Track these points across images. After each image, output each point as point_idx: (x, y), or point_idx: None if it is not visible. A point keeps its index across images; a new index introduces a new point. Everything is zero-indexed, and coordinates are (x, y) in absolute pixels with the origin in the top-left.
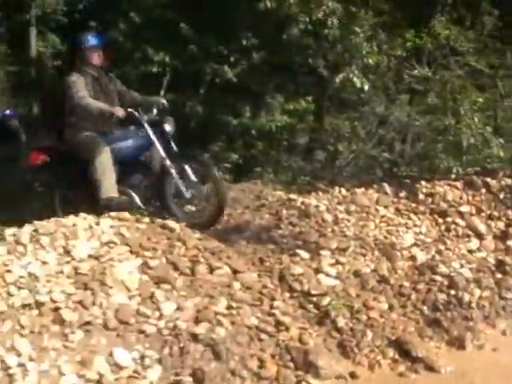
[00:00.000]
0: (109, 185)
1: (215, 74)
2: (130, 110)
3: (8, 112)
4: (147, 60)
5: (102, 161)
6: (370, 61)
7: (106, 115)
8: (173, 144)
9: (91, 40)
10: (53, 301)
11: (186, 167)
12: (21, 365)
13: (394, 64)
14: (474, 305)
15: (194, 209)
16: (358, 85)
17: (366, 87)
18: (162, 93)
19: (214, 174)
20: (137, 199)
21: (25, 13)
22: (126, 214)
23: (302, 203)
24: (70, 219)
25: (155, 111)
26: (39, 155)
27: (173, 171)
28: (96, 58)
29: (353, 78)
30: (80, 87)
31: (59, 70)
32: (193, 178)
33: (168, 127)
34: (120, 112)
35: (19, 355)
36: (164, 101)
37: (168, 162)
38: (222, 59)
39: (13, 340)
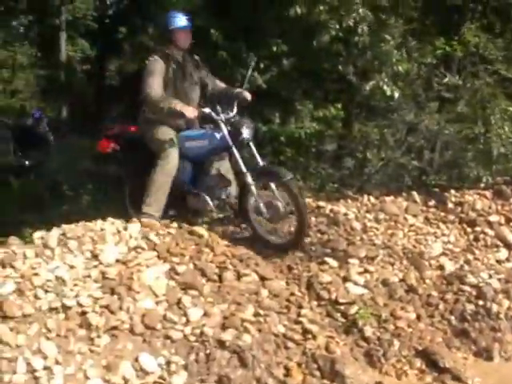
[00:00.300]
0: (154, 202)
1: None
2: (205, 110)
3: (36, 113)
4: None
5: (164, 172)
6: (400, 68)
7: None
8: (256, 155)
9: (181, 20)
10: (80, 305)
11: (271, 185)
12: (47, 368)
13: (424, 72)
14: (502, 315)
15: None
16: (388, 93)
17: (396, 95)
18: (245, 82)
19: (298, 195)
20: (210, 203)
21: (55, 17)
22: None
23: (331, 211)
24: (98, 223)
25: (236, 108)
26: (109, 143)
27: (254, 189)
28: (184, 40)
29: (383, 85)
30: (154, 79)
31: (88, 75)
32: (276, 199)
33: (245, 133)
34: (191, 113)
35: (45, 358)
36: (248, 94)
37: (249, 180)
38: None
39: (39, 343)
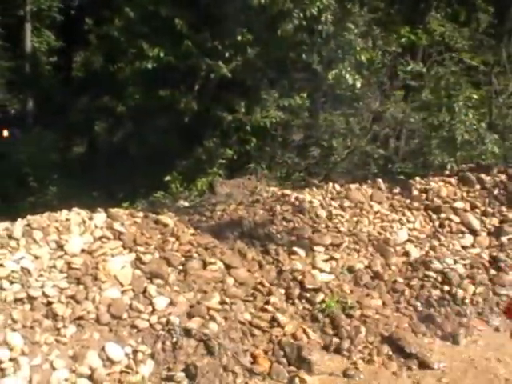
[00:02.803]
0: None
1: (210, 70)
2: None
3: None
4: (142, 55)
5: None
6: (363, 57)
7: None
8: None
9: None
10: (45, 295)
11: None
12: (13, 359)
13: (389, 60)
14: (467, 301)
15: None
16: (350, 81)
17: (359, 84)
18: None
19: None
20: None
21: (20, 8)
22: (119, 209)
23: (296, 199)
24: (63, 214)
25: None
26: None
27: None
28: None
29: (345, 74)
30: None
31: (54, 66)
32: None
33: None
34: None
35: (11, 349)
36: None
37: None
38: (217, 55)
39: (5, 334)
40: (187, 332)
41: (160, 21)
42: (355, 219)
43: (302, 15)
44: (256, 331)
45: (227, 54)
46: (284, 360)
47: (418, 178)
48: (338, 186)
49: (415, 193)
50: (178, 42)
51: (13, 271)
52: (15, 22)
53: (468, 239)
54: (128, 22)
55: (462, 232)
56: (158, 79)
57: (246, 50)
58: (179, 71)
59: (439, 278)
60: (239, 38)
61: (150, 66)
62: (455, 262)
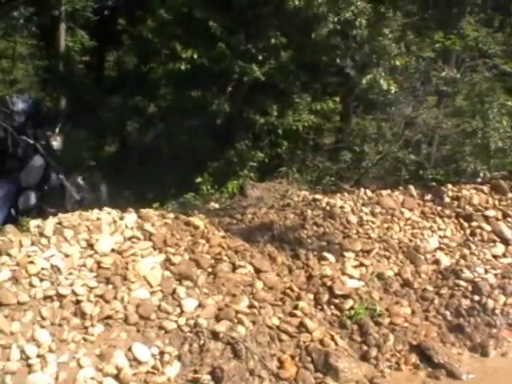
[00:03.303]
0: None
1: (243, 72)
2: None
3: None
4: (175, 57)
5: None
6: (397, 62)
7: None
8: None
9: None
10: (74, 293)
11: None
12: (40, 356)
13: (422, 65)
14: (497, 311)
15: None
16: (384, 86)
17: (393, 89)
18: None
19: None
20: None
21: (55, 9)
22: (150, 210)
23: (327, 204)
24: (94, 213)
25: None
26: None
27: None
28: None
29: (379, 79)
30: None
31: (87, 66)
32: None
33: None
34: None
35: (39, 346)
36: None
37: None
38: (251, 57)
39: (33, 331)
40: (215, 335)
41: (194, 23)
42: (386, 226)
43: (336, 19)
44: (284, 336)
45: (260, 57)
46: (311, 366)
47: (449, 185)
48: (369, 192)
49: (447, 200)
50: (211, 44)
51: (43, 269)
52: (50, 21)
53: (499, 248)
54: (161, 23)
55: (494, 241)
56: (191, 81)
57: (279, 53)
58: (212, 73)
59: (469, 288)
60: (273, 41)
61: (182, 67)
62: (486, 271)
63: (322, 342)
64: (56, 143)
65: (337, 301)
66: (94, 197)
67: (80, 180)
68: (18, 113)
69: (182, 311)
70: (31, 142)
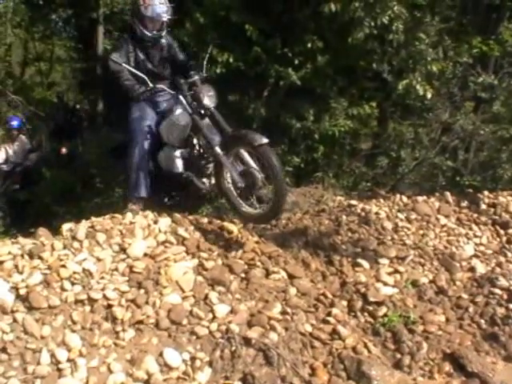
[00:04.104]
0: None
1: (279, 77)
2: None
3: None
4: (211, 60)
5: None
6: (434, 68)
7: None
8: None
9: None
10: (106, 298)
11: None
12: (70, 360)
13: (460, 71)
14: None
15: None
16: (421, 92)
17: (429, 95)
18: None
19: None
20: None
21: (93, 12)
22: (184, 214)
23: (363, 210)
24: (128, 217)
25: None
26: None
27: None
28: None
29: (416, 84)
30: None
31: None
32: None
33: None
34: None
35: (69, 350)
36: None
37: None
38: (287, 62)
39: (64, 335)
40: (247, 341)
41: (230, 27)
42: (421, 232)
43: (372, 24)
44: (316, 343)
45: (297, 61)
46: (343, 373)
47: (486, 192)
48: (405, 198)
49: (483, 207)
50: (247, 48)
51: (75, 272)
52: (88, 24)
53: None
54: (198, 27)
55: None
56: (227, 84)
57: (315, 58)
58: (248, 77)
59: (505, 296)
60: (309, 45)
61: (218, 70)
62: None
63: (354, 349)
64: (208, 99)
65: (370, 308)
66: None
67: (247, 156)
68: None
69: (214, 317)
70: (171, 92)
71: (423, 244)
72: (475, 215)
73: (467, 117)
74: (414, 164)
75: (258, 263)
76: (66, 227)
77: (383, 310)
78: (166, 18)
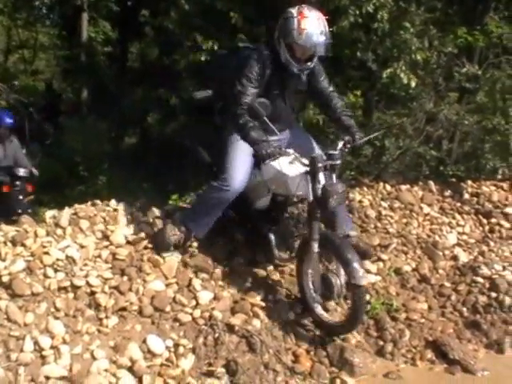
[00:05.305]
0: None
1: None
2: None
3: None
4: (196, 48)
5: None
6: (418, 57)
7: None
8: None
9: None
10: (89, 285)
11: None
12: (54, 347)
13: (445, 61)
14: None
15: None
16: (405, 81)
17: (413, 83)
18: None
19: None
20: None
21: None
22: (168, 202)
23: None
24: (111, 204)
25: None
26: None
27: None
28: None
29: (400, 73)
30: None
31: (110, 57)
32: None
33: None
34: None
35: (53, 337)
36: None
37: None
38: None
39: (47, 322)
40: (230, 328)
41: (216, 14)
42: (404, 221)
43: (357, 12)
44: (299, 330)
45: None
46: (326, 360)
47: (469, 182)
48: (388, 187)
49: (466, 196)
50: (232, 36)
51: (58, 259)
52: (72, 11)
53: None
54: (184, 14)
55: None
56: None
57: None
58: None
59: (487, 284)
60: None
61: (203, 58)
62: (504, 268)
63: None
64: (335, 202)
65: None
66: None
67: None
68: None
69: (198, 303)
70: (303, 169)
71: (406, 232)
72: (458, 204)
73: (451, 107)
74: (398, 153)
75: (242, 250)
76: (49, 214)
77: (366, 298)
78: (321, 53)
